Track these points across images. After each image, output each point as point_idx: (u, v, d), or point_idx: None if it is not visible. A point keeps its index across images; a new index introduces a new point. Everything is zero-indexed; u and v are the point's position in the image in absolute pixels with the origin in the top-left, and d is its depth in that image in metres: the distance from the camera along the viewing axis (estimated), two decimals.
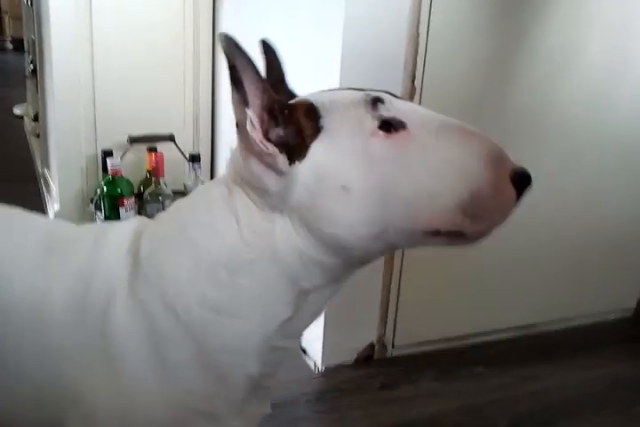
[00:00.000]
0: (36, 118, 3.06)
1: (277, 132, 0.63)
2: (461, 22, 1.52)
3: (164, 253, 0.70)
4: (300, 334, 0.75)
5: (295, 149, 0.63)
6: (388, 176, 0.61)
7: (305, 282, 0.67)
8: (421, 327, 1.77)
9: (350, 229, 0.63)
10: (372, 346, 1.73)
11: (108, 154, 2.02)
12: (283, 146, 0.63)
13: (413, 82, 1.50)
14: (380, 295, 1.69)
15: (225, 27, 2.16)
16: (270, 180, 0.64)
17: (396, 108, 0.63)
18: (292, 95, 0.72)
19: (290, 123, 0.63)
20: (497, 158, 0.63)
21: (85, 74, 2.09)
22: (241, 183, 0.67)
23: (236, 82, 0.62)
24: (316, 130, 0.63)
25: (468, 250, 1.70)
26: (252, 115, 0.63)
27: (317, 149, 0.63)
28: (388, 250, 0.68)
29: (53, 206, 2.28)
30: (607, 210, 1.90)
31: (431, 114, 0.65)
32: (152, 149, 2.03)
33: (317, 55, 1.51)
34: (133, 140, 2.10)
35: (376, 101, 0.63)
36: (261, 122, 0.63)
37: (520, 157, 1.75)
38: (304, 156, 0.63)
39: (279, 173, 0.63)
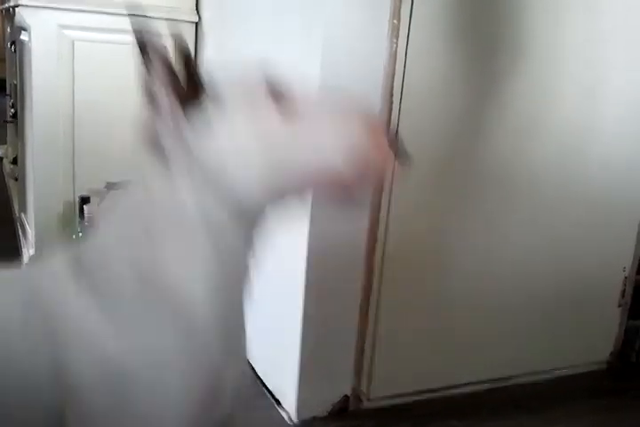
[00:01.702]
0: (14, 161, 3.05)
1: (179, 89, 0.71)
2: (435, 80, 1.57)
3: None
4: (236, 307, 0.81)
5: (196, 116, 0.71)
6: (276, 143, 0.71)
7: (216, 232, 0.74)
8: (396, 380, 1.77)
9: (246, 181, 0.72)
10: (346, 398, 1.72)
11: (85, 200, 2.02)
12: (184, 106, 0.71)
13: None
14: (354, 347, 1.69)
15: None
16: (174, 142, 0.73)
17: (286, 88, 0.73)
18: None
19: (191, 90, 0.72)
20: (374, 130, 0.73)
21: (65, 121, 2.10)
22: (145, 143, 0.76)
23: (143, 50, 0.72)
24: (217, 101, 0.72)
25: (441, 304, 1.73)
26: (158, 80, 0.71)
27: (217, 118, 0.72)
28: (278, 200, 0.76)
29: (29, 250, 2.26)
30: (578, 263, 1.93)
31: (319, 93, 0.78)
32: None
33: None
34: (111, 187, 2.10)
35: (274, 88, 0.73)
36: (166, 76, 0.71)
37: (490, 210, 1.80)
38: (204, 122, 0.71)
39: (182, 138, 0.72)
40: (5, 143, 4.02)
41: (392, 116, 1.53)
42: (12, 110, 2.80)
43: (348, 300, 1.64)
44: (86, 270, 0.77)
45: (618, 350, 2.11)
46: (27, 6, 2.00)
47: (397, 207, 1.60)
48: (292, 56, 1.58)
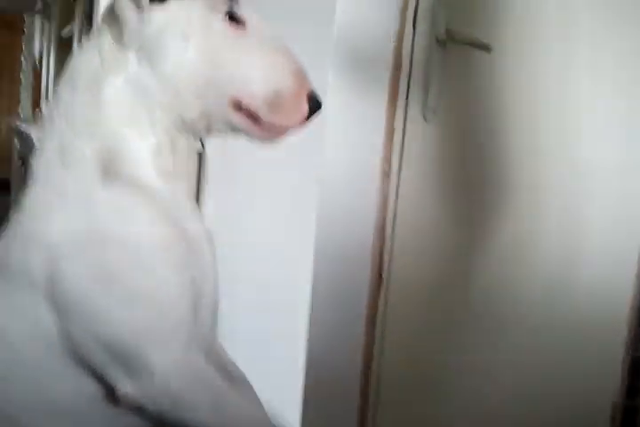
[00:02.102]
0: None
1: None
2: (424, 219, 1.66)
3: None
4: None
5: None
6: (221, 48, 0.80)
7: (151, 113, 0.82)
8: None
9: (180, 76, 0.80)
10: None
11: None
12: None
13: (380, 274, 1.61)
14: None
15: (209, 197, 2.29)
16: (132, 15, 0.79)
17: (244, 11, 0.83)
18: None
19: None
20: (301, 76, 0.83)
21: None
22: (107, 22, 0.83)
23: None
24: None
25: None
26: None
27: (175, 5, 0.80)
28: (203, 116, 0.83)
29: None
30: (566, 390, 1.95)
31: (266, 28, 0.85)
32: None
33: (290, 251, 1.64)
34: None
35: (232, 10, 0.82)
36: None
37: (477, 340, 1.82)
38: (163, 2, 0.80)
39: (139, 9, 0.79)
40: None
41: (384, 252, 1.61)
42: None
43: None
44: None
45: None
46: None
47: (392, 334, 1.65)
48: (287, 207, 1.69)
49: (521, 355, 1.87)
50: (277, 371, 1.72)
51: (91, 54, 0.84)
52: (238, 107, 0.82)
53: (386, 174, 1.57)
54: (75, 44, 2.63)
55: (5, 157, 4.53)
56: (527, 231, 1.82)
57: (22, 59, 4.44)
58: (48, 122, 0.85)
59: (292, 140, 1.65)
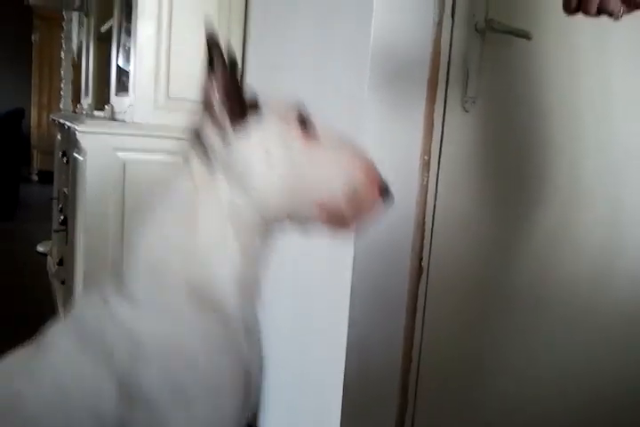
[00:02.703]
0: (60, 263, 3.18)
1: (230, 104, 0.88)
2: (464, 211, 1.67)
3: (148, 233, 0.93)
4: (254, 305, 0.95)
5: (239, 125, 0.88)
6: (300, 162, 0.88)
7: (242, 232, 0.90)
8: None
9: (269, 191, 0.88)
10: None
11: None
12: (232, 121, 0.88)
13: (420, 262, 1.62)
14: None
15: None
16: (219, 146, 0.88)
17: (314, 123, 0.91)
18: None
19: (239, 103, 0.88)
20: (372, 170, 0.92)
21: (115, 231, 2.23)
22: (195, 147, 0.92)
23: (211, 64, 0.87)
24: (257, 115, 0.89)
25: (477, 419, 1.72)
26: (216, 92, 0.87)
27: (255, 130, 0.88)
28: (293, 217, 0.92)
29: None
30: (608, 375, 1.96)
31: (336, 134, 0.94)
32: None
33: (330, 247, 1.64)
34: None
35: (302, 115, 0.91)
36: (221, 100, 0.88)
37: (522, 328, 1.83)
38: (245, 131, 0.88)
39: (225, 140, 0.88)
40: (49, 238, 4.18)
41: (424, 241, 1.62)
42: (62, 216, 2.95)
43: (382, 416, 1.67)
44: (131, 276, 0.90)
45: None
46: (84, 132, 2.17)
47: (432, 323, 1.66)
48: None
49: (568, 344, 1.87)
50: (317, 362, 1.75)
51: (184, 178, 0.92)
52: (323, 207, 0.90)
53: (426, 165, 1.57)
54: (113, 40, 2.67)
55: (49, 151, 4.64)
56: (568, 220, 1.81)
57: (62, 54, 4.51)
58: (141, 237, 0.93)
59: (335, 121, 1.71)
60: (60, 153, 3.04)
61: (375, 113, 1.51)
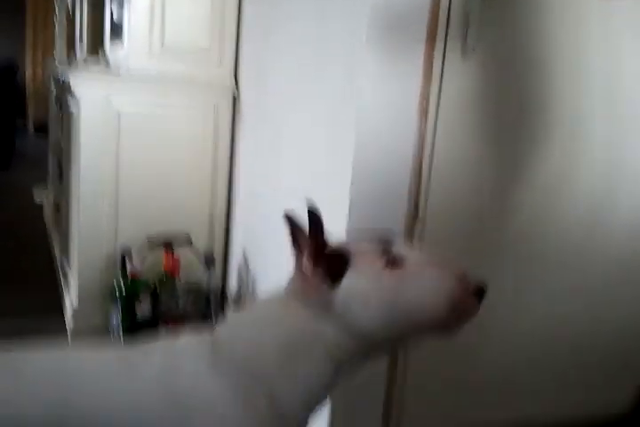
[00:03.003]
0: (57, 209, 3.21)
1: (319, 270, 0.96)
2: (462, 157, 1.68)
3: (241, 338, 0.99)
4: (333, 389, 1.02)
5: (334, 280, 0.95)
6: (393, 296, 0.94)
7: (340, 359, 0.97)
8: None
9: (371, 328, 0.95)
10: None
11: (127, 252, 2.18)
12: (326, 277, 0.95)
13: (417, 209, 1.64)
14: (382, 400, 1.76)
15: (242, 144, 2.36)
16: (319, 297, 0.95)
17: (397, 250, 0.97)
18: (329, 245, 1.01)
19: (328, 264, 0.95)
20: (462, 280, 0.96)
21: (110, 179, 2.26)
22: (298, 298, 0.98)
23: (294, 240, 0.98)
24: (347, 267, 0.95)
25: (471, 369, 1.74)
26: (305, 262, 0.96)
27: (348, 279, 0.95)
28: (398, 341, 1.03)
29: (71, 301, 2.41)
30: (611, 314, 2.00)
31: (420, 254, 1.00)
32: (169, 249, 2.18)
33: (328, 191, 1.68)
34: (152, 244, 2.26)
35: (385, 250, 0.96)
36: (310, 265, 0.96)
37: (515, 280, 1.82)
38: (339, 283, 0.95)
39: (322, 295, 0.95)
40: (45, 187, 4.22)
41: (421, 187, 1.63)
42: (58, 166, 2.98)
43: (374, 375, 1.72)
44: (227, 365, 0.96)
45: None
46: (78, 79, 2.19)
47: None
48: (325, 140, 1.72)
49: (566, 284, 1.91)
50: None
51: (288, 317, 0.98)
52: (432, 326, 0.96)
53: (424, 111, 1.58)
54: None
55: (44, 101, 4.64)
56: (569, 165, 1.81)
57: (55, 6, 4.48)
58: (228, 348, 0.98)
59: (331, 80, 1.73)
60: (55, 104, 3.06)
61: (374, 58, 1.51)
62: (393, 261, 0.95)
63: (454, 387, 1.87)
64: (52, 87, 3.56)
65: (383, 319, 0.94)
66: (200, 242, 2.38)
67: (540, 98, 1.74)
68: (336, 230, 1.57)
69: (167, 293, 2.14)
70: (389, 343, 1.00)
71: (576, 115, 1.79)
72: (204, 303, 2.20)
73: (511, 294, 1.85)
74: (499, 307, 1.82)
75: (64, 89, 2.66)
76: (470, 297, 0.96)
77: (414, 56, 1.55)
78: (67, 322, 2.39)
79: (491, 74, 1.67)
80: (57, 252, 3.07)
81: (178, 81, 2.30)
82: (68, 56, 3.80)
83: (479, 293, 0.96)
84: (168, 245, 2.21)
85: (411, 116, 1.58)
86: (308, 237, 0.96)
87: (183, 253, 2.24)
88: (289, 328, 0.97)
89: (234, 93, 2.39)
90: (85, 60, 3.20)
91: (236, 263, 2.42)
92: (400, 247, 0.99)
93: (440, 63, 1.57)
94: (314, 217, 0.99)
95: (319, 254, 0.96)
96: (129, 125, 2.25)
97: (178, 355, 0.98)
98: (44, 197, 4.24)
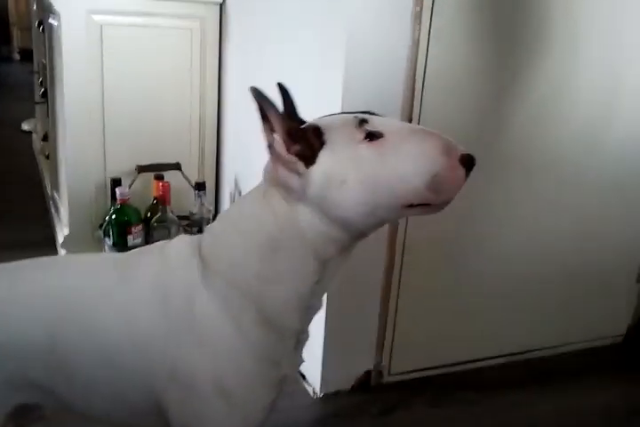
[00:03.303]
0: (45, 138, 3.12)
1: (296, 147, 0.87)
2: (456, 69, 1.60)
3: (223, 244, 0.94)
4: (323, 294, 0.98)
5: (309, 158, 0.87)
6: (373, 170, 0.85)
7: (324, 253, 0.91)
8: (416, 354, 1.84)
9: (351, 211, 0.87)
10: (368, 373, 1.80)
11: (116, 183, 2.09)
12: (300, 156, 0.87)
13: (410, 121, 1.57)
14: (376, 324, 1.76)
15: (230, 62, 2.24)
16: (293, 180, 0.88)
17: (376, 124, 0.88)
18: (303, 121, 0.95)
19: (303, 140, 0.87)
20: (449, 148, 0.86)
21: (95, 103, 2.16)
22: (274, 185, 0.91)
23: (264, 118, 0.88)
24: (322, 143, 0.87)
25: (462, 280, 1.77)
26: (277, 138, 0.88)
27: (323, 157, 0.87)
28: (380, 223, 0.91)
29: (62, 230, 2.36)
30: (596, 241, 1.98)
31: (402, 124, 0.93)
32: (159, 178, 2.10)
33: (318, 99, 1.58)
34: (141, 170, 2.17)
35: (362, 122, 0.88)
36: (284, 142, 0.88)
37: (513, 192, 1.81)
38: (315, 162, 0.87)
39: (299, 175, 0.87)
40: (33, 117, 4.10)
41: (414, 101, 1.57)
42: (42, 89, 2.86)
43: (371, 277, 1.71)
44: (213, 276, 0.93)
45: (635, 324, 2.16)
46: None
47: None
48: (315, 45, 1.62)
49: (556, 208, 1.88)
50: None
51: (264, 212, 0.91)
52: (410, 205, 0.87)
53: (417, 17, 1.49)
54: None
55: (29, 28, 4.44)
56: (566, 79, 1.75)
57: None
58: (213, 260, 0.94)
59: None
60: (37, 23, 2.90)
61: None
62: (371, 134, 0.86)
63: (446, 316, 1.86)
64: (34, 6, 3.39)
65: (364, 198, 0.86)
66: (191, 170, 2.31)
67: (539, 11, 1.66)
68: None
69: (158, 221, 2.06)
70: (371, 228, 0.92)
71: (572, 33, 1.71)
72: (197, 232, 2.13)
73: (504, 207, 1.82)
74: (490, 220, 1.81)
75: (44, 6, 2.51)
76: (457, 167, 0.86)
77: None
78: (59, 253, 2.33)
79: None
80: (47, 181, 2.99)
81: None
82: None
83: (467, 163, 0.86)
84: (158, 172, 2.12)
85: (404, 23, 1.50)
86: (279, 112, 0.88)
87: (174, 182, 2.15)
88: (267, 224, 0.91)
89: (221, 5, 2.25)
90: None
91: (228, 191, 2.35)
92: (378, 120, 0.90)
93: None
94: (284, 92, 0.94)
95: (291, 131, 0.88)
96: (112, 38, 2.12)
97: (171, 266, 0.97)
98: (31, 126, 4.14)
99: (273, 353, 0.95)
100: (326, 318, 1.66)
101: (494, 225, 1.82)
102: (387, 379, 1.83)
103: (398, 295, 1.75)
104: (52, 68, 2.45)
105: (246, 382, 0.94)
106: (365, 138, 0.86)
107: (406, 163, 0.85)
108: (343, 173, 0.86)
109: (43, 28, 2.66)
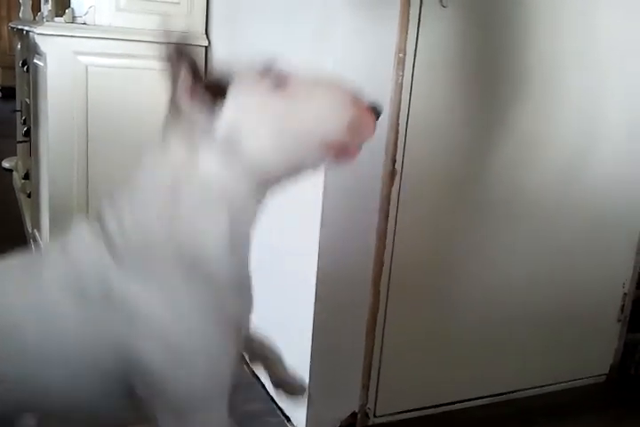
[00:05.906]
0: (26, 177, 3.11)
1: (198, 99, 0.87)
2: (440, 110, 1.63)
3: (125, 213, 0.90)
4: (245, 261, 0.96)
5: (216, 105, 0.86)
6: (284, 118, 0.86)
7: (232, 202, 0.88)
8: (402, 396, 1.83)
9: (263, 150, 0.87)
10: (354, 415, 1.78)
11: None
12: (209, 99, 0.86)
13: (394, 164, 1.59)
14: (362, 365, 1.75)
15: None
16: (200, 118, 0.86)
17: (280, 71, 0.89)
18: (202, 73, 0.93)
19: (207, 90, 0.87)
20: (356, 98, 0.90)
21: (80, 142, 2.16)
22: (177, 133, 0.89)
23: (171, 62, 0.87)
24: (225, 93, 0.87)
25: (447, 322, 1.77)
26: (181, 92, 0.87)
27: (228, 109, 0.86)
28: (292, 170, 0.91)
29: None
30: (578, 278, 2.00)
31: (306, 74, 0.91)
32: None
33: None
34: None
35: (267, 71, 0.89)
36: (191, 95, 0.87)
37: (491, 237, 1.83)
38: (223, 107, 0.86)
39: (207, 121, 0.86)
40: (14, 154, 4.08)
41: (398, 142, 1.59)
42: (25, 127, 2.86)
43: (355, 317, 1.70)
44: (128, 260, 0.89)
45: (617, 363, 2.17)
46: (43, 34, 2.06)
47: (404, 225, 1.66)
48: None
49: (536, 246, 1.89)
50: (291, 260, 1.74)
51: (166, 157, 0.90)
52: (330, 146, 0.89)
53: (401, 63, 1.52)
54: None
55: (11, 65, 4.45)
56: (543, 125, 1.78)
57: None
58: (125, 210, 0.91)
59: (304, 34, 1.64)
60: (21, 62, 2.91)
61: (349, 9, 1.44)
62: (277, 82, 0.88)
63: (431, 357, 1.86)
64: (18, 46, 3.40)
65: (276, 148, 0.87)
66: None
67: (515, 56, 1.70)
68: (312, 188, 1.53)
69: None
70: (285, 176, 0.92)
71: (551, 79, 1.76)
72: None
73: (486, 250, 1.83)
74: (472, 263, 1.82)
75: (29, 45, 2.53)
76: (366, 113, 0.90)
77: (390, 6, 1.49)
78: None
79: (469, 22, 1.61)
80: (28, 220, 2.97)
81: (146, 34, 2.17)
82: (34, 13, 3.63)
83: (374, 110, 0.91)
84: None
85: (387, 69, 1.53)
86: (182, 65, 0.88)
87: None
88: (168, 176, 0.88)
89: (205, 42, 2.28)
90: (51, 16, 3.04)
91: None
92: (282, 69, 0.91)
93: (417, 12, 1.52)
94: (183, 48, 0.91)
95: (195, 82, 0.87)
96: (97, 80, 2.14)
97: (78, 260, 0.92)
98: (13, 163, 4.13)
99: (211, 305, 0.91)
100: (311, 358, 1.65)
101: (477, 267, 1.83)
102: (373, 420, 1.80)
103: (383, 336, 1.74)
104: (36, 107, 2.45)
105: (201, 342, 0.91)
106: (271, 86, 0.88)
107: (318, 109, 0.88)
108: (252, 124, 0.87)
109: (27, 68, 2.67)
